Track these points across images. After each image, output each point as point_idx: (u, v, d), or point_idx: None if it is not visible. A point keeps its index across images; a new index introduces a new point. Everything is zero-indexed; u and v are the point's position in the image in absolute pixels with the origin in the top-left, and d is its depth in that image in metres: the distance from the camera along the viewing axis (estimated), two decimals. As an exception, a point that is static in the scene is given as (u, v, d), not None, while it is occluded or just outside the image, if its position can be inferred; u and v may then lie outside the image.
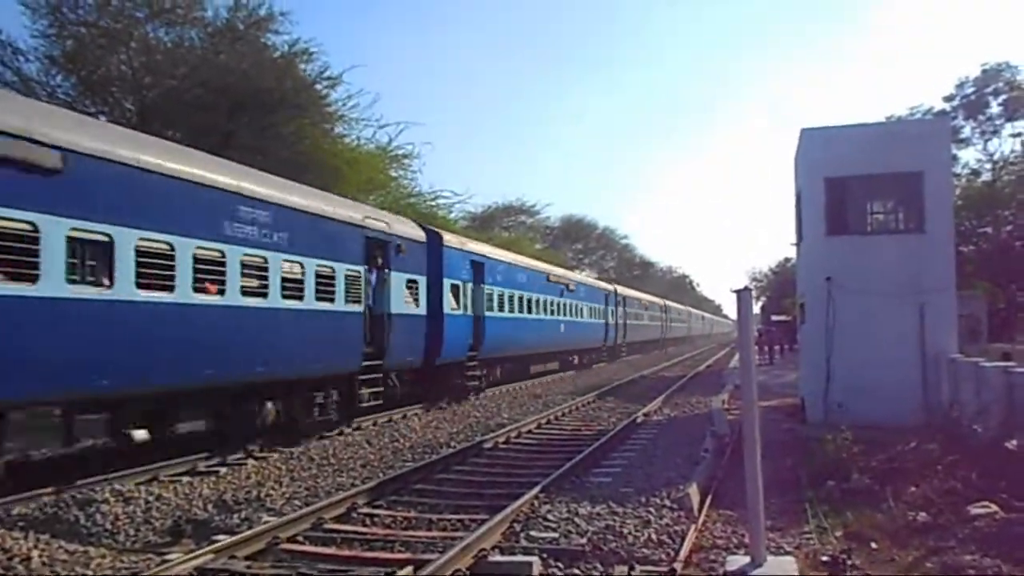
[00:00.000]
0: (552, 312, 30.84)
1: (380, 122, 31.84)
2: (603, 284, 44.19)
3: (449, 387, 21.04)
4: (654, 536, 7.85)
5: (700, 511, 8.90)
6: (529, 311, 27.57)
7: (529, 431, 15.78)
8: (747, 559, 6.46)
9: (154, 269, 10.38)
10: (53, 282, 8.96)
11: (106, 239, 9.71)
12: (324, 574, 6.70)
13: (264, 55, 25.89)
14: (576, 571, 6.88)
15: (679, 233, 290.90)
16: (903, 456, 11.05)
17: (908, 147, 15.81)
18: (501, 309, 24.55)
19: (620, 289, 46.77)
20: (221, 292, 11.63)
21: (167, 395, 11.11)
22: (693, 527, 8.10)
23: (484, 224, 54.68)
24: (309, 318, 13.76)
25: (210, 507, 9.25)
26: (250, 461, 12.03)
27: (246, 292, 12.17)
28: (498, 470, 11.68)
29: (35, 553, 7.18)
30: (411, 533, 8.11)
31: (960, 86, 39.37)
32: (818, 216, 16.26)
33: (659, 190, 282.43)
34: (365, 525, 8.55)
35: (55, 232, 8.97)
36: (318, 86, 27.04)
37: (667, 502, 9.16)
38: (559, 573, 6.84)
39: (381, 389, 16.54)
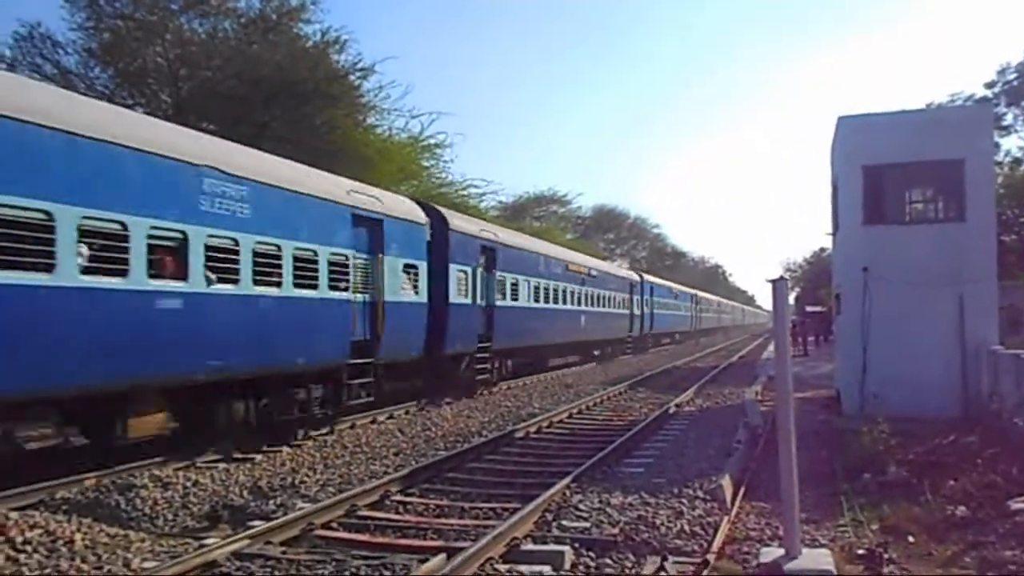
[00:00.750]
0: (669, 309, 52.48)
1: (412, 112, 31.82)
2: (689, 289, 63.49)
3: (643, 348, 43.79)
4: (687, 527, 7.82)
5: (733, 503, 8.84)
6: (663, 309, 49.45)
7: (560, 421, 15.79)
8: (781, 551, 6.38)
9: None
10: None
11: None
12: (358, 560, 6.78)
13: (296, 45, 26.07)
14: (608, 561, 6.88)
15: (711, 223, 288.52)
16: (941, 449, 10.88)
17: (949, 134, 15.44)
18: (655, 309, 46.50)
19: (699, 293, 68.53)
20: (594, 306, 33.28)
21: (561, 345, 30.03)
22: (726, 518, 8.05)
23: (516, 214, 54.41)
24: (615, 317, 36.69)
25: (246, 493, 9.40)
26: (284, 448, 12.19)
27: (597, 306, 33.58)
28: (530, 459, 11.71)
29: (78, 536, 7.35)
30: (444, 521, 8.17)
31: (1002, 72, 38.19)
32: (855, 205, 15.96)
33: (691, 180, 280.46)
34: (398, 512, 8.63)
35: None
36: (351, 77, 27.19)
37: (700, 493, 9.12)
38: (591, 563, 6.85)
39: (632, 345, 40.71)
